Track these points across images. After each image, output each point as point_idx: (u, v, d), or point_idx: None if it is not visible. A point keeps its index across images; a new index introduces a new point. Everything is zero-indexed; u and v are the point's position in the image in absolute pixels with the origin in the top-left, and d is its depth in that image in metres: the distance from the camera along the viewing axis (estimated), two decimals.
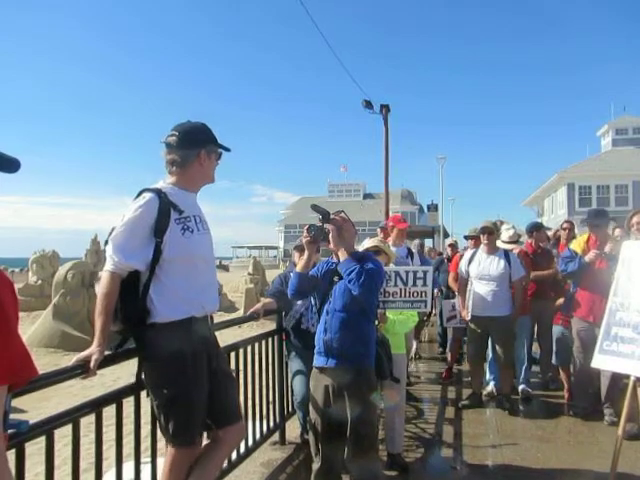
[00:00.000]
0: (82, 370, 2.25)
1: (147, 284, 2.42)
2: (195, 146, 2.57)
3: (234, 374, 3.22)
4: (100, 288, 2.39)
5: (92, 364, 2.26)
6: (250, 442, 3.61)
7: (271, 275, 28.42)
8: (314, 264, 3.23)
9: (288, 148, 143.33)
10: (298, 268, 3.14)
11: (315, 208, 2.98)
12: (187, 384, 2.41)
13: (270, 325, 4.35)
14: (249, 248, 68.57)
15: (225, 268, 49.19)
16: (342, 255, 2.97)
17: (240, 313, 16.70)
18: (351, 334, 3.01)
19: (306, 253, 3.09)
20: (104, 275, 2.40)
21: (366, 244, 3.85)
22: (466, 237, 6.98)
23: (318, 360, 3.09)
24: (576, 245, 5.30)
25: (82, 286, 13.71)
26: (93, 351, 2.30)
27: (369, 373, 3.07)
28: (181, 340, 2.40)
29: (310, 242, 3.04)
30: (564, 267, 5.15)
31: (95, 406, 2.39)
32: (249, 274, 24.41)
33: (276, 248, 70.66)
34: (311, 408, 3.12)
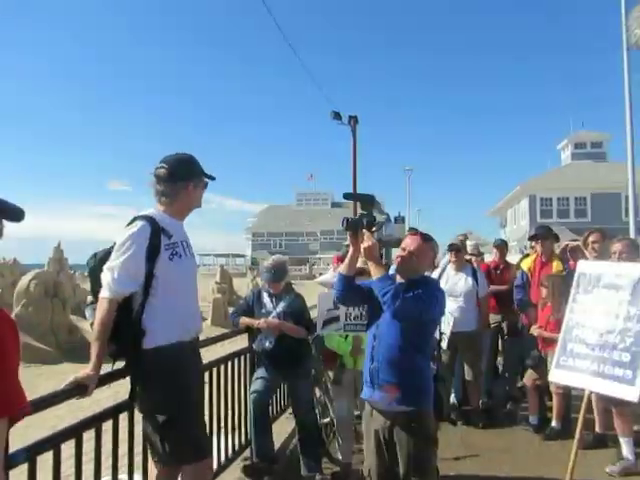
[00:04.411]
0: (78, 392, 2.30)
1: (140, 308, 2.47)
2: (183, 179, 2.64)
3: (206, 391, 3.30)
4: (98, 313, 2.43)
5: (89, 389, 2.32)
6: (222, 459, 3.66)
7: (238, 283, 28.24)
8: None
9: (253, 156, 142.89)
10: (341, 268, 2.82)
11: (347, 196, 2.86)
12: (189, 402, 2.53)
13: (241, 342, 4.40)
14: (216, 256, 67.84)
15: None
16: (375, 272, 2.63)
17: (207, 323, 16.55)
18: (400, 365, 2.64)
19: (350, 249, 2.73)
20: (101, 302, 2.44)
21: None
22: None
23: (365, 392, 2.78)
24: (524, 265, 5.75)
25: (45, 296, 13.38)
26: (90, 375, 2.33)
27: (423, 416, 2.66)
28: (176, 364, 2.49)
29: (351, 235, 2.68)
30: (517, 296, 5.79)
31: (96, 421, 2.50)
32: (216, 283, 24.27)
33: (243, 256, 70.20)
34: (365, 452, 2.87)
